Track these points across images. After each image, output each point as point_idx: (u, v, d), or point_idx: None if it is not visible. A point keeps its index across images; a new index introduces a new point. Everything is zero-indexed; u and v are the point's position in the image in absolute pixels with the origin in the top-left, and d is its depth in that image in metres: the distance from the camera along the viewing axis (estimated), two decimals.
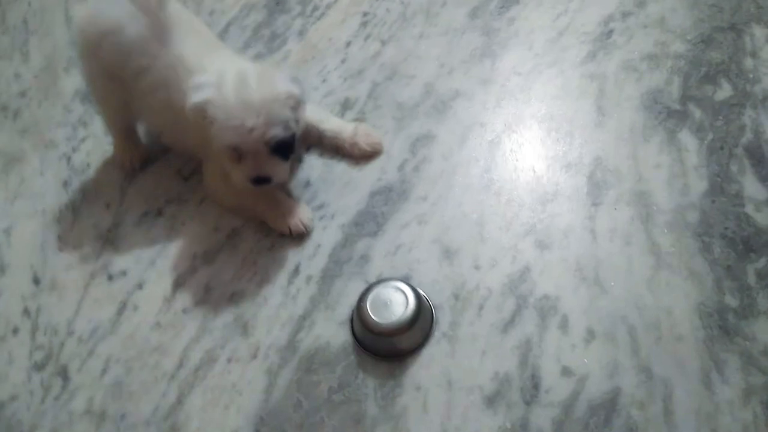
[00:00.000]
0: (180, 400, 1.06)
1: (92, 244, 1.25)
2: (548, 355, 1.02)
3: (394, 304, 1.05)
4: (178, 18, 1.16)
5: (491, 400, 1.00)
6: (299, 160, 1.28)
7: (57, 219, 1.29)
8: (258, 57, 1.45)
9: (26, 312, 1.19)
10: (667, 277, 1.06)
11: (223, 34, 1.50)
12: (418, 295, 1.06)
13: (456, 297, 1.10)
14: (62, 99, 1.46)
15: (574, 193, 1.17)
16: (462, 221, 1.17)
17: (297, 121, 1.10)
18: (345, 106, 1.35)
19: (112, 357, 1.12)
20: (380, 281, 1.08)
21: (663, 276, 1.06)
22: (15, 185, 1.35)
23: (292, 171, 1.24)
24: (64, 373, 1.12)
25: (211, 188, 1.24)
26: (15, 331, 1.17)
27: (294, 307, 1.13)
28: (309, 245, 1.19)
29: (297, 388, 1.05)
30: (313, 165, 1.28)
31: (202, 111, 1.05)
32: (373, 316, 1.04)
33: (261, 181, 1.10)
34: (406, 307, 1.04)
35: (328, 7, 1.53)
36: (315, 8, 1.53)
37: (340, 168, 1.27)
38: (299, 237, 1.18)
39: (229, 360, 1.09)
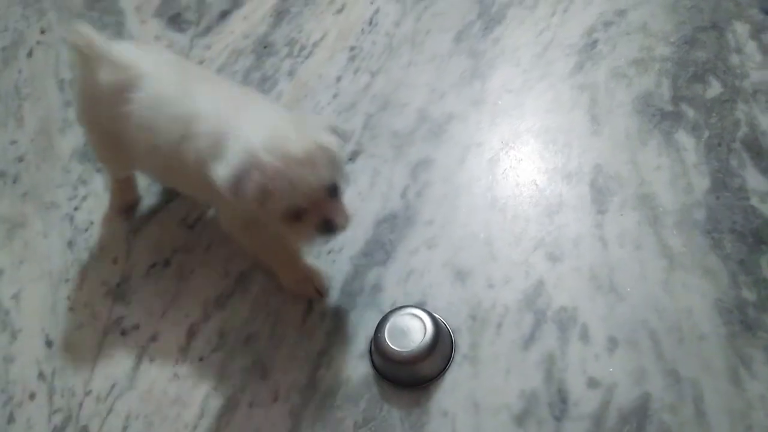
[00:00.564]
0: None
1: (102, 301, 1.24)
2: (573, 367, 1.01)
3: (412, 331, 1.04)
4: (163, 62, 1.12)
5: (520, 419, 0.98)
6: None
7: (65, 279, 1.28)
8: None
9: (41, 376, 1.18)
10: (682, 278, 1.06)
11: None
12: (435, 320, 1.05)
13: (473, 318, 1.09)
14: (60, 160, 1.47)
15: (579, 202, 1.18)
16: (471, 241, 1.17)
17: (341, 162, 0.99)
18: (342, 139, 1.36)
19: (132, 413, 1.10)
20: (395, 309, 1.08)
21: (678, 277, 1.06)
22: (20, 250, 1.35)
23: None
24: None
25: (233, 234, 1.14)
26: (32, 396, 1.16)
27: (310, 344, 1.12)
28: None
29: (322, 426, 1.03)
30: None
31: (249, 191, 0.91)
32: (392, 346, 1.03)
33: (329, 228, 0.97)
34: (424, 333, 1.03)
35: (315, 45, 1.55)
36: (302, 48, 1.55)
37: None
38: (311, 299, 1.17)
39: (250, 405, 1.08)
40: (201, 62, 1.57)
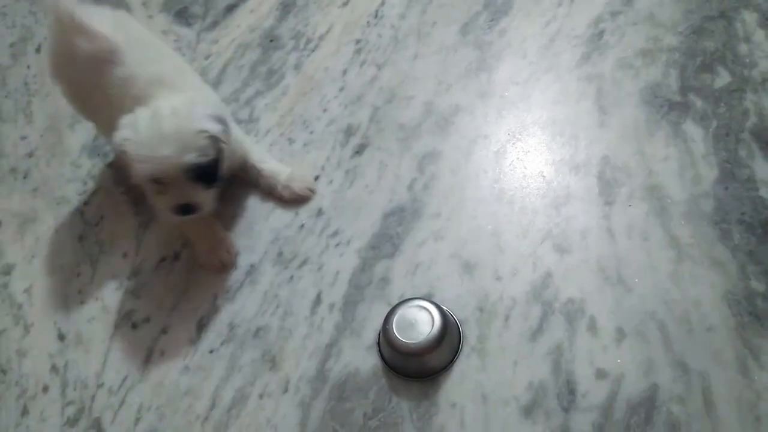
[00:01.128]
0: None
1: (113, 295, 1.25)
2: (581, 358, 1.01)
3: (420, 323, 1.04)
4: (136, 40, 1.20)
5: (529, 410, 0.99)
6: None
7: (76, 273, 1.30)
8: (257, 94, 1.47)
9: (54, 369, 1.19)
10: (690, 269, 1.06)
11: (220, 75, 1.53)
12: (442, 312, 1.05)
13: (481, 310, 1.09)
14: (69, 155, 1.48)
15: (586, 194, 1.18)
16: (478, 234, 1.17)
17: (219, 150, 1.10)
18: (348, 132, 1.37)
19: (144, 405, 1.12)
20: (403, 302, 1.08)
21: (686, 268, 1.06)
22: (31, 244, 1.36)
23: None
24: (98, 426, 1.11)
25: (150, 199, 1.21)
26: (45, 389, 1.17)
27: (320, 336, 1.13)
28: (328, 273, 1.19)
29: (331, 417, 1.04)
30: (323, 193, 1.29)
31: (122, 150, 1.07)
32: (400, 338, 1.03)
33: (184, 210, 1.10)
34: (432, 324, 1.03)
35: (321, 38, 1.55)
36: (308, 41, 1.55)
37: (351, 194, 1.28)
38: (225, 269, 1.22)
39: (260, 396, 1.09)
40: (208, 56, 1.58)
